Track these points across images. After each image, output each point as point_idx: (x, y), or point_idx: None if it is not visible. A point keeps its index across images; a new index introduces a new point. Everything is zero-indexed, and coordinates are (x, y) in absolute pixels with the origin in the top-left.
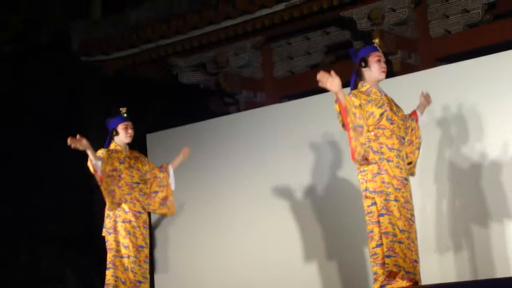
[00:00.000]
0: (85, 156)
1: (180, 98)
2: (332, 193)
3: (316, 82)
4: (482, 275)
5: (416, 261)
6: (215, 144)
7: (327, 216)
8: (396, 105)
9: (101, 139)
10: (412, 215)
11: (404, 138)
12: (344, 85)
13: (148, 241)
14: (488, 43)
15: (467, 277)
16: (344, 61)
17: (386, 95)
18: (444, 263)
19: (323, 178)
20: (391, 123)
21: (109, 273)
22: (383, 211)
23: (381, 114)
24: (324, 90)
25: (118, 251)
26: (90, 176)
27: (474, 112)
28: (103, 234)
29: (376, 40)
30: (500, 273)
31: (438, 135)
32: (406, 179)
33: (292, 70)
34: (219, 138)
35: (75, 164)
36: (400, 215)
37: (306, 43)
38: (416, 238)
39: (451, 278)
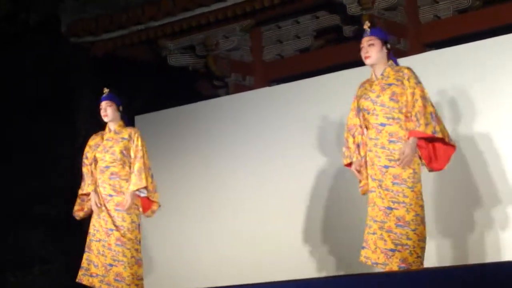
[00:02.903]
0: (73, 138)
1: (169, 80)
2: (320, 177)
3: (305, 66)
4: (473, 261)
5: (393, 250)
6: (203, 127)
7: (317, 198)
8: (384, 85)
9: (90, 121)
10: (394, 202)
11: (383, 125)
12: (333, 69)
13: (121, 223)
14: (478, 29)
15: (460, 262)
16: (334, 45)
17: (382, 77)
18: (440, 248)
19: (311, 162)
20: (368, 113)
21: (84, 256)
22: (368, 204)
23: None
24: (313, 74)
25: (93, 234)
26: (79, 159)
27: (462, 98)
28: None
29: (365, 26)
30: (490, 259)
31: None
32: (386, 166)
33: (281, 53)
34: (208, 121)
35: (63, 145)
36: (374, 205)
37: (296, 27)
38: (396, 226)
39: (446, 263)
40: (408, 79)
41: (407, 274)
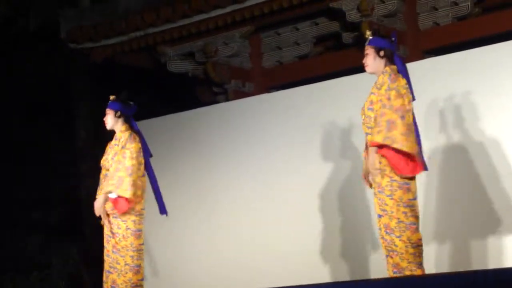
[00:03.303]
0: (72, 143)
1: (168, 86)
2: (320, 182)
3: (305, 72)
4: (475, 267)
5: (387, 256)
6: (202, 134)
7: (318, 204)
8: (369, 94)
9: (89, 126)
10: (381, 209)
11: (366, 134)
12: (332, 76)
13: (116, 230)
14: (477, 36)
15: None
16: (333, 52)
17: (374, 86)
18: (440, 253)
19: (311, 168)
20: (362, 123)
21: None
22: None
23: None
24: (312, 81)
25: None
26: (78, 164)
27: (461, 104)
28: None
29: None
30: (492, 265)
31: (424, 128)
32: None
33: (280, 60)
34: (207, 127)
35: (62, 151)
36: (376, 213)
37: (295, 33)
38: (386, 233)
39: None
40: (381, 87)
41: (402, 280)
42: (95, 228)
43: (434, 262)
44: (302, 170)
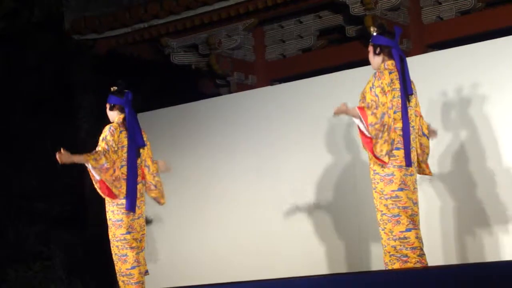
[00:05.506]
0: (74, 134)
1: (172, 78)
2: (322, 176)
3: (308, 65)
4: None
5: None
6: (205, 126)
7: (319, 197)
8: None
9: (92, 117)
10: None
11: None
12: (335, 69)
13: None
14: (480, 30)
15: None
16: (336, 45)
17: None
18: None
19: (313, 161)
20: None
21: None
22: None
23: None
24: (315, 74)
25: None
26: (80, 154)
27: (464, 99)
28: None
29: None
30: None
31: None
32: None
33: (283, 53)
34: (210, 119)
35: (65, 142)
36: None
37: (299, 26)
38: (378, 227)
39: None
40: (368, 82)
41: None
42: (97, 219)
43: (440, 256)
44: (304, 163)
